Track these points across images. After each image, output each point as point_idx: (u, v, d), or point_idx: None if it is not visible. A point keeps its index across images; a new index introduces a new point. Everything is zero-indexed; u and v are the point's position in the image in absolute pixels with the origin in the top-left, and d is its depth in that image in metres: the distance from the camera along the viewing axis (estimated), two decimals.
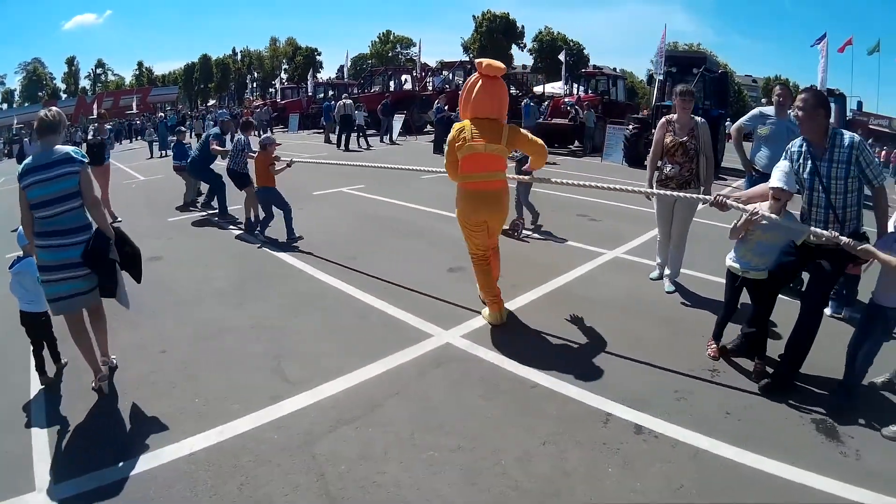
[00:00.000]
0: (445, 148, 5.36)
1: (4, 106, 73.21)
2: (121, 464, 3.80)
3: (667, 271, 6.59)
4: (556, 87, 29.89)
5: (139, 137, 35.78)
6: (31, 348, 4.83)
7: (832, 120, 4.84)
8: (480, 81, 5.29)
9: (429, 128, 22.61)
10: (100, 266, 4.38)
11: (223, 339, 5.56)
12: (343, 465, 3.65)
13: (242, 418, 4.19)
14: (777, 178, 4.35)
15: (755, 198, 4.71)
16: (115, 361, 4.90)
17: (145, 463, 3.79)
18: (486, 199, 5.30)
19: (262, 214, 9.10)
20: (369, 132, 25.32)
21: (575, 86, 26.17)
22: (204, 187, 11.93)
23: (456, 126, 5.34)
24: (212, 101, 57.50)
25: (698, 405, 4.19)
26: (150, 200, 13.53)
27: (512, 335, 5.35)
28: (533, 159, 5.63)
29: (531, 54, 70.39)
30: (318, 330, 5.70)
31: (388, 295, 6.43)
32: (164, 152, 24.21)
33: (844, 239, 4.02)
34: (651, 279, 6.80)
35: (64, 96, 71.83)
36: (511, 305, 5.98)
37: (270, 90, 62.70)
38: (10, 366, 5.35)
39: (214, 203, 11.12)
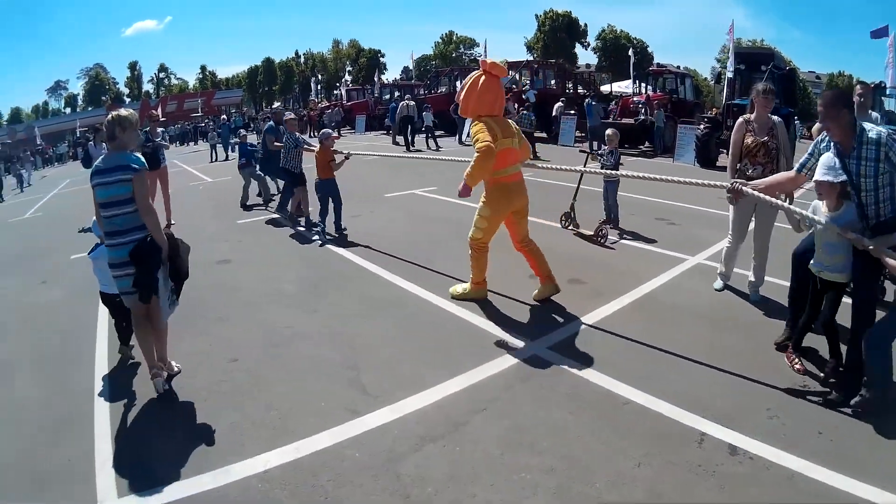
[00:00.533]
0: (478, 145, 5.53)
1: (68, 110, 75.68)
2: (189, 479, 3.66)
3: (750, 277, 6.16)
4: (621, 86, 29.20)
5: (205, 139, 36.57)
6: (114, 323, 5.48)
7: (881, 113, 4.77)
8: (488, 80, 5.73)
9: None
10: (140, 267, 4.44)
11: (296, 347, 5.46)
12: (430, 486, 3.46)
13: (320, 433, 4.02)
14: (819, 172, 4.25)
15: (774, 186, 4.76)
16: (176, 368, 4.94)
17: (215, 479, 3.64)
18: (521, 187, 5.93)
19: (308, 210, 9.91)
20: (438, 133, 25.29)
21: (642, 85, 25.56)
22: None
23: (480, 125, 5.63)
24: (276, 104, 58.38)
25: (790, 423, 3.92)
26: (218, 203, 13.84)
27: (599, 346, 5.12)
28: (525, 154, 6.08)
29: (595, 53, 69.46)
30: (395, 338, 5.54)
31: (467, 302, 6.24)
32: (227, 155, 23.96)
33: (865, 241, 4.04)
34: (715, 290, 6.43)
35: (127, 100, 73.62)
36: (597, 314, 5.82)
37: (335, 92, 63.28)
38: (74, 365, 5.42)
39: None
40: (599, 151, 9.21)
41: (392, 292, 6.72)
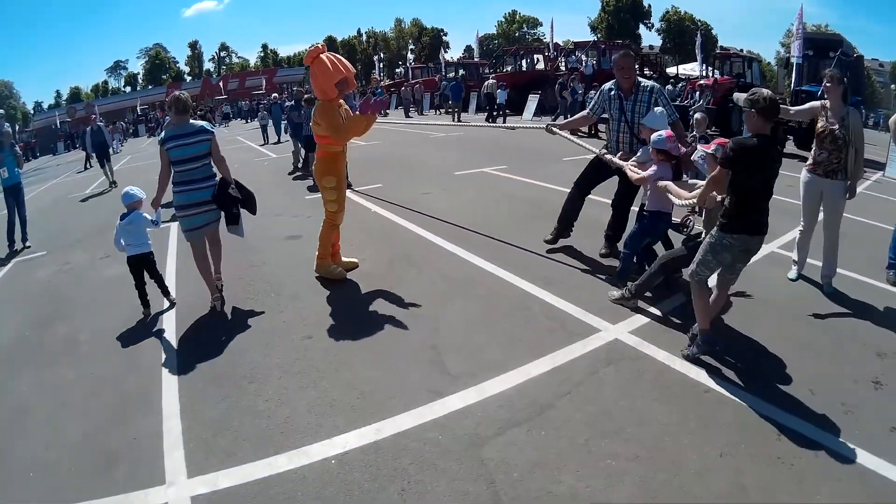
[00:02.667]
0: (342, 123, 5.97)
1: (128, 89, 76.43)
2: (263, 460, 3.55)
3: (823, 268, 6.00)
4: (686, 69, 28.25)
5: (252, 120, 36.23)
6: (135, 283, 5.95)
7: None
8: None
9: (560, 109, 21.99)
10: (225, 202, 5.83)
11: (373, 326, 5.32)
12: (515, 472, 3.38)
13: (401, 415, 3.92)
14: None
15: (573, 123, 7.87)
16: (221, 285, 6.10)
17: (290, 461, 3.54)
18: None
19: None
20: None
21: (707, 68, 24.64)
22: None
23: (329, 105, 5.92)
24: None
25: (864, 420, 3.82)
26: (284, 179, 13.93)
27: (679, 333, 4.98)
28: (333, 135, 6.04)
29: (659, 34, 67.57)
30: (477, 319, 5.40)
31: (547, 283, 6.06)
32: (279, 137, 22.54)
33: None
34: (790, 279, 6.24)
35: (188, 79, 75.04)
36: (675, 300, 5.62)
37: (397, 70, 63.04)
38: (142, 342, 5.46)
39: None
40: (690, 141, 8.76)
41: (469, 271, 6.60)
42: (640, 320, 5.29)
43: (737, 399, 4.06)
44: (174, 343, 5.39)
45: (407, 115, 30.87)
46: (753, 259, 6.66)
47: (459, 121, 25.13)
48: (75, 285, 7.44)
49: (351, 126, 5.99)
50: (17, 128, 57.57)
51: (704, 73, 24.14)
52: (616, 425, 3.82)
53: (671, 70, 29.05)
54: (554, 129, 7.35)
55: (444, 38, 79.38)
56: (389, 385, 4.35)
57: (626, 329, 5.11)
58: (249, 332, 5.33)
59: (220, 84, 60.90)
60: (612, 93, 6.22)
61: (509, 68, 31.21)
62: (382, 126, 20.60)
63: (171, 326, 5.74)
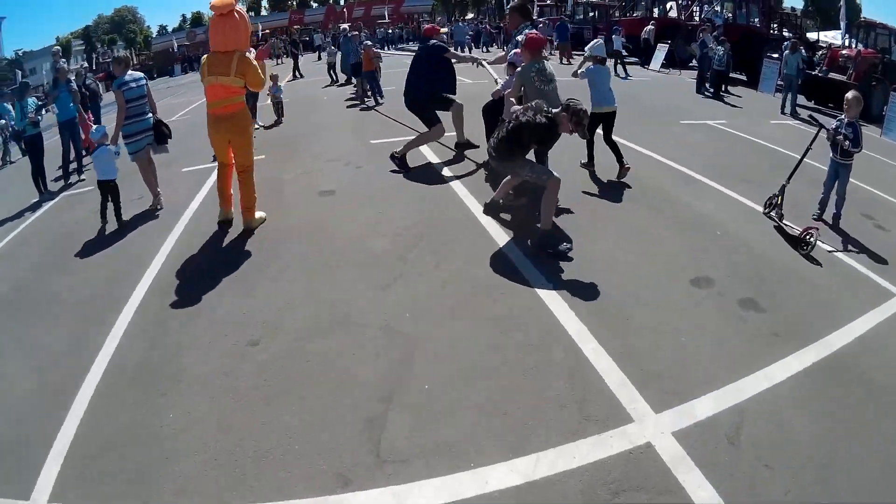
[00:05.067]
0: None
1: (252, 14, 74.66)
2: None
3: None
4: (827, 37, 24.12)
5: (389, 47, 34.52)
6: (100, 202, 6.86)
7: None
8: (212, 20, 6.07)
9: (693, 62, 19.01)
10: (158, 129, 7.31)
11: (329, 343, 4.25)
12: None
13: None
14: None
15: (496, 61, 8.57)
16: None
17: None
18: (224, 121, 6.02)
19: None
20: (630, 60, 22.42)
21: (849, 38, 20.75)
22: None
23: (247, 56, 5.95)
24: (469, 15, 55.53)
25: None
26: (361, 119, 12.65)
27: (760, 431, 3.30)
28: (251, 84, 6.03)
29: None
30: (473, 362, 3.94)
31: (604, 323, 4.34)
32: (349, 77, 18.74)
33: None
34: None
35: (314, 5, 72.26)
36: (765, 375, 3.83)
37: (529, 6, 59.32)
38: (98, 320, 4.88)
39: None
40: (835, 126, 6.67)
41: (502, 273, 5.12)
42: (714, 391, 3.64)
43: None
44: (127, 319, 4.83)
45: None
46: (888, 312, 4.82)
47: (566, 62, 22.72)
48: (92, 231, 6.91)
49: (262, 74, 6.25)
50: (135, 50, 60.61)
51: (847, 43, 20.30)
52: None
53: (812, 35, 24.93)
54: (483, 64, 8.33)
55: None
56: (292, 450, 3.26)
57: (669, 426, 3.36)
58: (204, 322, 4.63)
59: (344, 11, 58.89)
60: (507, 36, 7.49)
61: (639, 14, 28.10)
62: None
63: (137, 299, 5.14)
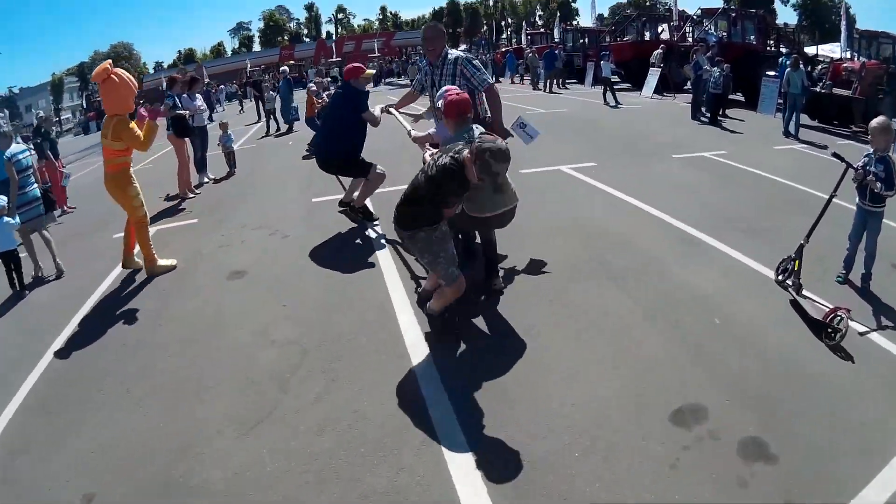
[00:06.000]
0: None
1: (243, 50, 75.28)
2: None
3: None
4: (824, 50, 22.81)
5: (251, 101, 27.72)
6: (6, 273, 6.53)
7: None
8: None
9: (688, 85, 17.75)
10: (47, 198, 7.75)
11: None
12: None
13: None
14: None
15: (404, 101, 6.72)
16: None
17: None
18: (107, 180, 6.25)
19: None
20: (622, 86, 21.91)
21: (849, 50, 19.42)
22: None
23: (126, 119, 6.01)
24: (462, 46, 55.00)
25: None
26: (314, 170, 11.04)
27: None
28: (131, 146, 6.10)
29: (794, 10, 60.06)
30: None
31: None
32: (285, 124, 17.94)
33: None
34: None
35: (307, 40, 72.55)
36: None
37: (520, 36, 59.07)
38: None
39: None
40: (863, 164, 5.17)
41: (408, 406, 3.81)
42: None
43: None
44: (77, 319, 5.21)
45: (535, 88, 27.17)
46: None
47: (544, 90, 24.13)
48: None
49: (149, 135, 6.09)
50: None
51: (848, 55, 18.96)
52: None
53: (810, 50, 23.61)
54: (390, 110, 6.70)
55: (573, 4, 73.88)
56: None
57: None
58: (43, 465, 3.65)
59: (334, 47, 58.36)
60: (425, 66, 6.02)
61: (629, 37, 26.97)
62: None
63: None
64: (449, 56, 5.67)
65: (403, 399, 3.87)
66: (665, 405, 3.63)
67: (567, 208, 7.47)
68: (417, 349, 4.43)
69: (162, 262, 6.51)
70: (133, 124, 6.06)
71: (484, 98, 5.68)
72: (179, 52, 79.51)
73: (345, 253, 6.46)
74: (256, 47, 76.30)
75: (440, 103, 4.73)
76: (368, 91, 7.18)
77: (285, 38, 75.82)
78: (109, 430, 3.87)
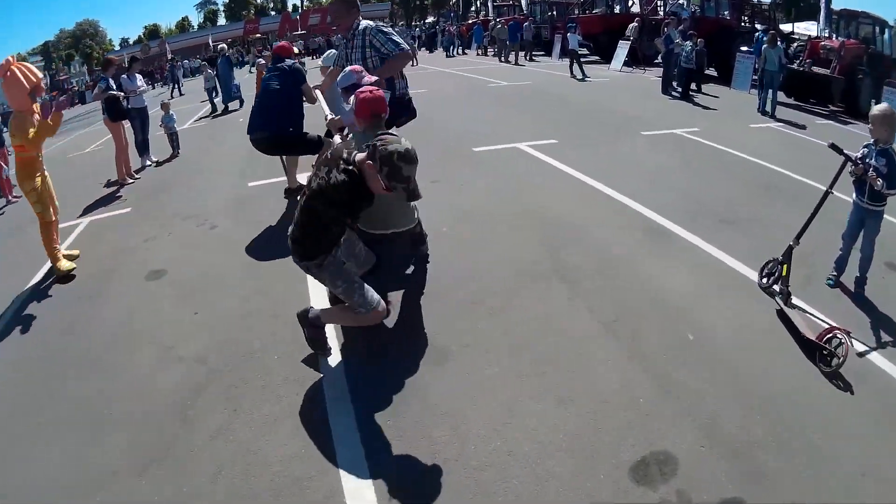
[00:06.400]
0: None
1: (209, 25, 72.32)
2: None
3: None
4: (800, 28, 22.21)
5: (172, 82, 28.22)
6: None
7: None
8: None
9: (659, 59, 16.93)
10: None
11: None
12: None
13: None
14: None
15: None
16: None
17: None
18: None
19: None
20: (590, 59, 21.22)
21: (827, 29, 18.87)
22: None
23: (22, 116, 5.58)
24: (430, 18, 53.15)
25: None
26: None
27: None
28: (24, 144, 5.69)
29: None
30: None
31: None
32: (220, 105, 16.63)
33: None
34: None
35: (272, 13, 69.91)
36: None
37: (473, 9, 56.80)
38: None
39: None
40: (861, 155, 4.33)
41: (314, 439, 3.10)
42: None
43: None
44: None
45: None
46: None
47: (511, 62, 23.47)
48: None
49: (42, 133, 5.60)
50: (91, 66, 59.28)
51: (826, 34, 18.37)
52: None
53: (786, 27, 22.94)
54: (315, 91, 6.24)
55: None
56: None
57: None
58: None
59: (300, 20, 56.51)
60: (342, 41, 5.68)
61: (598, 10, 26.03)
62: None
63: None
64: (358, 28, 5.27)
65: (309, 437, 3.10)
66: (624, 453, 2.84)
67: (520, 193, 6.54)
68: (332, 375, 3.60)
69: (61, 263, 5.84)
70: (31, 118, 5.60)
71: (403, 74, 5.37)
72: (145, 27, 76.98)
73: (271, 250, 5.49)
74: (222, 21, 73.55)
75: (346, 77, 4.43)
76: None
77: (251, 11, 72.89)
78: None
